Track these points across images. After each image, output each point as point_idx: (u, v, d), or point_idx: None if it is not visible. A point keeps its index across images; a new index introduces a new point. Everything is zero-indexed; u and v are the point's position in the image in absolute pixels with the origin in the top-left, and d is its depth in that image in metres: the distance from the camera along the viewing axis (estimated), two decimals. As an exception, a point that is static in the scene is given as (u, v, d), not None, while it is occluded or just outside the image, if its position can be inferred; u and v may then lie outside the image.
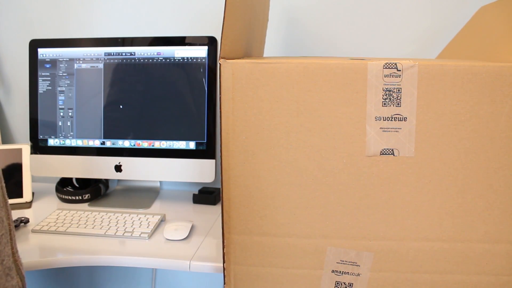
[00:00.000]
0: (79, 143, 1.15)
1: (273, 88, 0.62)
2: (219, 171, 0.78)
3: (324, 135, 0.63)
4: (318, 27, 1.17)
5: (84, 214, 1.02)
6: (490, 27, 0.81)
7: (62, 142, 1.16)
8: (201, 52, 1.10)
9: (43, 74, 1.17)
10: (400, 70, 0.61)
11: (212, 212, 1.09)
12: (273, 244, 0.67)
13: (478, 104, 0.61)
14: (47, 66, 1.16)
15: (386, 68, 0.61)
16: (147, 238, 0.92)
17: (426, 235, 0.65)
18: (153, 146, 1.13)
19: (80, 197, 1.14)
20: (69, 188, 1.15)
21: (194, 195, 1.17)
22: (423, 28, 1.13)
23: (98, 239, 0.91)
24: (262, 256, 0.68)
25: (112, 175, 1.16)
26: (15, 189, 1.14)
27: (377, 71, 0.61)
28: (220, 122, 0.64)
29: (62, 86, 1.16)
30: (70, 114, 1.16)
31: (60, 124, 1.16)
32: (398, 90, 0.61)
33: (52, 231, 0.94)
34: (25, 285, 0.60)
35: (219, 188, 0.68)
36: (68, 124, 1.15)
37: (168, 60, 1.11)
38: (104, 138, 1.15)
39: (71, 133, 1.15)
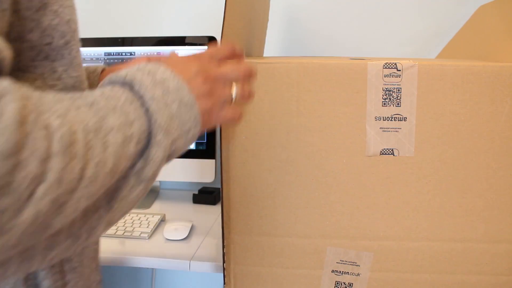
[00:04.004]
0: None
1: (273, 88, 0.62)
2: (219, 171, 0.78)
3: (324, 135, 0.63)
4: (318, 27, 1.17)
5: (84, 214, 1.02)
6: (489, 27, 0.81)
7: (62, 142, 1.16)
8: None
9: (43, 74, 1.17)
10: (400, 70, 0.61)
11: (212, 212, 1.09)
12: (273, 244, 0.67)
13: (478, 104, 0.61)
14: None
15: (386, 68, 0.61)
16: (147, 238, 0.92)
17: (426, 235, 0.65)
18: (153, 146, 1.13)
19: (80, 197, 1.14)
20: (69, 188, 1.15)
21: (194, 195, 1.17)
22: (423, 28, 1.13)
23: (98, 239, 0.91)
24: (262, 256, 0.68)
25: (112, 175, 1.15)
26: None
27: (377, 71, 0.61)
28: (220, 122, 0.64)
29: (62, 86, 1.16)
30: (70, 114, 1.16)
31: (60, 124, 1.16)
32: (398, 90, 0.61)
33: (52, 231, 0.94)
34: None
35: (219, 188, 0.68)
36: (68, 124, 1.15)
37: (168, 60, 1.11)
38: (104, 138, 1.15)
39: (71, 133, 1.15)
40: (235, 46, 0.53)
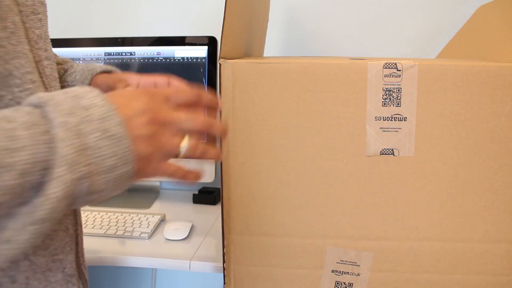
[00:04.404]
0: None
1: (273, 88, 0.62)
2: (219, 171, 0.78)
3: (324, 135, 0.63)
4: (318, 27, 1.17)
5: (84, 214, 1.02)
6: (489, 26, 0.81)
7: (62, 142, 1.15)
8: (201, 52, 1.10)
9: (43, 74, 1.17)
10: (400, 70, 0.61)
11: (212, 212, 1.09)
12: (273, 244, 0.67)
13: (478, 104, 0.61)
14: (47, 66, 1.16)
15: (386, 68, 0.61)
16: (147, 238, 0.92)
17: (426, 235, 0.65)
18: (153, 146, 1.13)
19: (80, 197, 1.14)
20: (69, 188, 1.15)
21: (194, 195, 1.17)
22: (423, 28, 1.13)
23: (98, 239, 0.91)
24: (262, 256, 0.68)
25: (112, 175, 1.15)
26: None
27: (377, 71, 0.61)
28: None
29: (62, 86, 1.16)
30: (70, 114, 1.16)
31: (60, 124, 1.15)
32: (398, 90, 0.61)
33: (52, 231, 0.94)
34: None
35: (219, 188, 0.68)
36: (68, 124, 1.15)
37: (168, 60, 1.12)
38: (104, 138, 1.15)
39: (71, 133, 1.15)
40: (204, 93, 0.46)
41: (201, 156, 0.44)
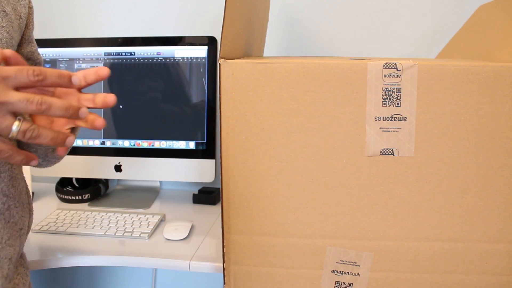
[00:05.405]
0: (79, 143, 1.15)
1: (273, 88, 0.62)
2: (219, 171, 0.78)
3: (324, 135, 0.63)
4: (318, 27, 1.17)
5: (84, 214, 1.02)
6: (489, 26, 0.81)
7: (62, 142, 1.15)
8: (201, 52, 1.10)
9: (43, 74, 1.16)
10: (400, 70, 0.61)
11: (212, 212, 1.09)
12: (273, 244, 0.67)
13: (478, 104, 0.61)
14: (47, 66, 1.16)
15: (386, 68, 0.61)
16: (147, 238, 0.92)
17: (426, 235, 0.65)
18: (153, 146, 1.14)
19: (80, 197, 1.14)
20: (69, 188, 1.15)
21: (194, 195, 1.17)
22: (423, 28, 1.13)
23: (98, 239, 0.91)
24: (262, 256, 0.68)
25: (112, 175, 1.16)
26: (15, 189, 1.13)
27: (377, 71, 0.61)
28: (220, 122, 0.64)
29: (62, 86, 1.16)
30: (70, 114, 1.16)
31: (60, 124, 1.15)
32: (398, 90, 0.61)
33: (52, 231, 0.94)
34: None
35: (219, 188, 0.68)
36: (68, 124, 1.15)
37: (168, 60, 1.12)
38: (104, 138, 1.15)
39: (71, 133, 1.15)
40: (49, 72, 0.44)
41: (32, 140, 0.44)
